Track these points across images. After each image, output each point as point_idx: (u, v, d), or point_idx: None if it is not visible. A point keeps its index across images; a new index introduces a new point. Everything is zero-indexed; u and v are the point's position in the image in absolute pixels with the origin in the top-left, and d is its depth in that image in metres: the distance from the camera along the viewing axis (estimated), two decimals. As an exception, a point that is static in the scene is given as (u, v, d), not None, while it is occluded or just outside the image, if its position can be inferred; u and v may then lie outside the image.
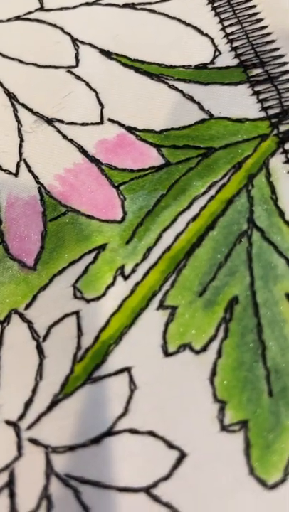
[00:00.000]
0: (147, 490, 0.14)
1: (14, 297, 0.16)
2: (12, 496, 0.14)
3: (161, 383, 0.15)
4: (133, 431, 0.14)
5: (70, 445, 0.15)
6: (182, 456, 0.14)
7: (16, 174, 0.18)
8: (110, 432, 0.15)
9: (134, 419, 0.15)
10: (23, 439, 0.15)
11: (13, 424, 0.15)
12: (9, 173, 0.18)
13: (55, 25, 0.20)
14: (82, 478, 0.14)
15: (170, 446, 0.14)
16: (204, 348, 0.15)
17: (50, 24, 0.20)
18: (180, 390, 0.15)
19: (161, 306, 0.16)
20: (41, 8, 0.21)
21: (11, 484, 0.14)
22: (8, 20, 0.21)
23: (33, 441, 0.15)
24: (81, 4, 0.20)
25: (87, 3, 0.20)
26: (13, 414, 0.15)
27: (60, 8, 0.20)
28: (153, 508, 0.14)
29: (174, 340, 0.15)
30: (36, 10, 0.21)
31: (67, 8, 0.20)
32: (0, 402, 0.15)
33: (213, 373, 0.15)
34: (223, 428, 0.14)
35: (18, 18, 0.21)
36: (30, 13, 0.21)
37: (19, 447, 0.15)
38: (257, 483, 0.14)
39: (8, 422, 0.15)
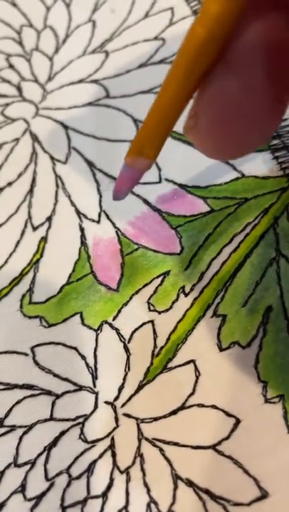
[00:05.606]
0: (214, 447, 0.19)
1: (104, 312, 0.22)
2: (114, 455, 0.20)
3: (218, 370, 0.20)
4: (200, 405, 0.20)
5: (154, 417, 0.20)
6: (237, 422, 0.19)
7: (98, 222, 0.24)
8: (183, 406, 0.20)
9: (200, 396, 0.20)
10: (119, 414, 0.20)
11: (111, 404, 0.20)
12: (93, 221, 0.24)
13: (118, 109, 0.27)
14: (165, 440, 0.19)
15: (228, 415, 0.20)
16: (249, 344, 0.20)
17: (115, 108, 0.27)
18: (233, 375, 0.20)
19: (215, 314, 0.21)
20: (107, 96, 0.27)
21: (112, 447, 0.20)
22: (83, 105, 0.27)
23: (127, 415, 0.20)
24: (138, 92, 0.27)
25: (142, 92, 0.27)
26: (110, 397, 0.21)
27: (122, 96, 0.27)
28: (218, 460, 0.19)
29: (225, 339, 0.21)
30: (104, 97, 0.27)
31: (128, 96, 0.27)
32: (99, 388, 0.21)
33: (257, 362, 0.20)
34: (266, 400, 0.20)
35: (90, 104, 0.27)
36: (99, 99, 0.27)
37: (116, 420, 0.20)
38: (294, 439, 0.19)
39: (107, 402, 0.20)
